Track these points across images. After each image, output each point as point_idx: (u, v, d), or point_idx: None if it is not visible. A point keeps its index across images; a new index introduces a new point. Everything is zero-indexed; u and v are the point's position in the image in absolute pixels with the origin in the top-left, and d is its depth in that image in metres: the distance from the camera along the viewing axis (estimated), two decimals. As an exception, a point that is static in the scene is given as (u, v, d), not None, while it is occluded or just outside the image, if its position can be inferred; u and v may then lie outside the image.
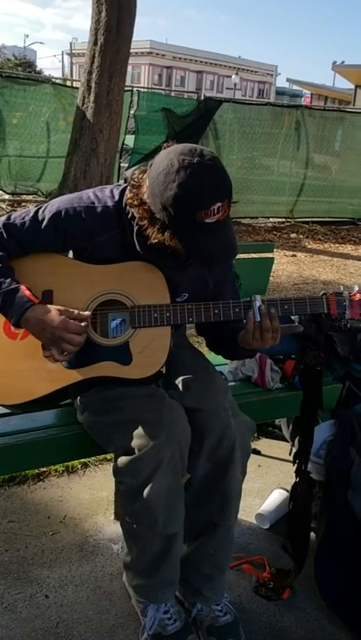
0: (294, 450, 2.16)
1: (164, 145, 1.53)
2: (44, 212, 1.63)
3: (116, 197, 1.64)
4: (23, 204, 9.03)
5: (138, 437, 1.56)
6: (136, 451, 1.55)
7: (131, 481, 1.57)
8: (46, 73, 44.49)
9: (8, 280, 1.57)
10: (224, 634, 1.71)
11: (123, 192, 1.64)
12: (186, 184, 1.40)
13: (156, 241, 1.52)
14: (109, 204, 1.63)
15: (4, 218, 1.64)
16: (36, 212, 1.63)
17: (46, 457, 1.86)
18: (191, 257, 1.56)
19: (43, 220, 1.61)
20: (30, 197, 9.36)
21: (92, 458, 2.47)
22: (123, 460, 1.58)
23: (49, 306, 1.57)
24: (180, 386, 1.74)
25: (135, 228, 1.60)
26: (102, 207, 1.62)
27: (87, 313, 1.60)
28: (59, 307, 1.57)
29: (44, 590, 1.86)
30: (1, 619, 1.75)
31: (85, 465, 2.49)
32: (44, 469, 2.42)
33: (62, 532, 2.12)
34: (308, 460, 2.06)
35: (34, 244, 1.63)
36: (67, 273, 1.67)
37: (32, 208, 1.66)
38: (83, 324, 1.57)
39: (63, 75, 43.20)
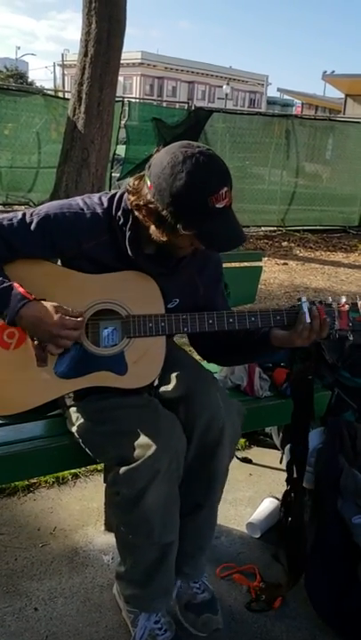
0: (285, 459, 2.15)
1: (155, 150, 1.55)
2: (32, 215, 1.63)
3: (105, 204, 1.65)
4: (15, 214, 9.03)
5: (134, 448, 1.55)
6: (132, 461, 1.55)
7: (127, 491, 1.57)
8: (38, 84, 44.76)
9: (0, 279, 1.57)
10: (202, 609, 1.76)
11: (111, 199, 1.66)
12: (195, 171, 1.44)
13: (165, 239, 1.53)
14: (98, 210, 1.64)
15: None
16: (24, 214, 1.64)
17: (35, 468, 1.86)
18: (206, 245, 1.56)
19: (31, 222, 1.61)
20: (22, 208, 9.35)
21: (83, 469, 2.46)
22: (119, 470, 1.58)
23: (43, 302, 1.57)
24: (167, 380, 1.76)
25: (128, 234, 1.61)
26: (91, 213, 1.63)
27: (81, 311, 1.60)
28: (53, 303, 1.57)
29: (34, 603, 1.85)
30: (-11, 632, 1.74)
31: (76, 476, 2.48)
32: (34, 481, 2.41)
33: (52, 544, 2.10)
34: (303, 470, 2.04)
35: (21, 245, 1.61)
36: (59, 282, 1.66)
37: (18, 212, 1.66)
38: (79, 319, 1.58)
39: (55, 86, 43.36)
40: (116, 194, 1.67)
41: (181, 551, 1.74)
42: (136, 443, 1.56)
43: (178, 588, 1.80)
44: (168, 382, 1.76)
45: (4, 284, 1.56)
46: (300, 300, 1.65)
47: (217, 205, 1.46)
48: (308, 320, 1.62)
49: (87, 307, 1.64)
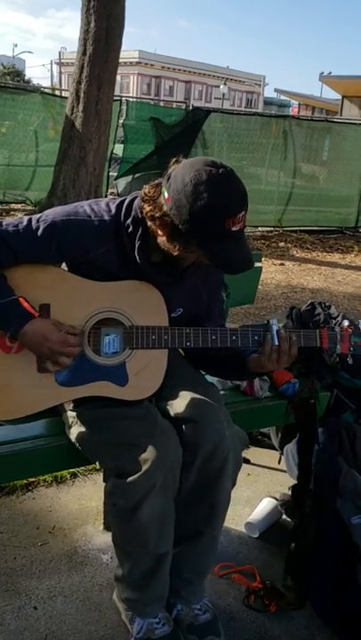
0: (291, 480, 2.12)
1: (174, 160, 1.54)
2: (38, 222, 1.60)
3: (113, 211, 1.63)
4: (12, 212, 9.01)
5: (130, 461, 1.55)
6: (128, 474, 1.54)
7: (123, 503, 1.57)
8: (35, 82, 44.73)
9: (4, 291, 1.56)
10: (204, 632, 1.73)
11: (119, 206, 1.64)
12: (218, 193, 1.44)
13: (177, 254, 1.53)
14: (106, 218, 1.62)
15: None
16: (30, 220, 1.61)
17: (34, 467, 1.86)
18: (214, 265, 1.57)
19: (37, 229, 1.59)
20: (19, 206, 9.35)
21: (81, 468, 2.46)
22: (115, 482, 1.58)
23: (46, 320, 1.58)
24: (174, 396, 1.72)
25: (137, 244, 1.59)
26: (99, 221, 1.61)
27: (81, 327, 1.61)
28: (54, 320, 1.58)
29: (33, 602, 1.85)
30: (-11, 631, 1.74)
31: (74, 475, 2.48)
32: (33, 479, 2.41)
33: (51, 543, 2.10)
34: (309, 496, 2.02)
35: (27, 252, 1.59)
36: (66, 288, 1.64)
37: (24, 217, 1.64)
38: (78, 337, 1.59)
39: (52, 84, 43.22)
40: (124, 200, 1.65)
41: (179, 577, 1.74)
42: (132, 456, 1.55)
43: (178, 610, 1.76)
44: (175, 398, 1.72)
45: (9, 299, 1.54)
46: (268, 321, 1.64)
47: (233, 228, 1.46)
48: (277, 343, 1.61)
49: (91, 315, 1.62)
